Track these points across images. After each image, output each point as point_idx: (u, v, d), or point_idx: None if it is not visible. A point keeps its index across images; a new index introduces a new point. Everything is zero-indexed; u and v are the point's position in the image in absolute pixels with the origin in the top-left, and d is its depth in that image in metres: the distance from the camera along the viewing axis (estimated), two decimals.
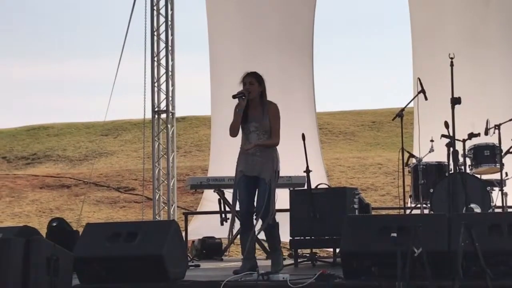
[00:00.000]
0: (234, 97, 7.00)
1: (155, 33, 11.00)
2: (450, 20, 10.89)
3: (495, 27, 10.74)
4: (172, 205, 10.87)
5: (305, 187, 8.24)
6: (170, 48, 11.02)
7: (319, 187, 8.31)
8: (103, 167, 18.51)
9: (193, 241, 10.39)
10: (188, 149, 19.89)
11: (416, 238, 5.40)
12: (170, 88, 11.01)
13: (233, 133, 7.11)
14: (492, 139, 8.54)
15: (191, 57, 25.91)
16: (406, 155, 8.90)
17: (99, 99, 28.91)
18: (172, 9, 11.11)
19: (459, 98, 6.39)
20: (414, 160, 8.95)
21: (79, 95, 33.82)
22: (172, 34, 11.07)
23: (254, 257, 7.06)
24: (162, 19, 11.04)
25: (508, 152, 8.62)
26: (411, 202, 9.18)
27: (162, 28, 11.04)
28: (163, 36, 11.03)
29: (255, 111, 7.06)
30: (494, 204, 8.41)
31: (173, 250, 6.32)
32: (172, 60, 11.06)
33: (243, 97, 6.98)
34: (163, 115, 11.06)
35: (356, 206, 8.08)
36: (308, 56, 11.37)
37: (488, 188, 8.41)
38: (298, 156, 8.19)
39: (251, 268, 6.69)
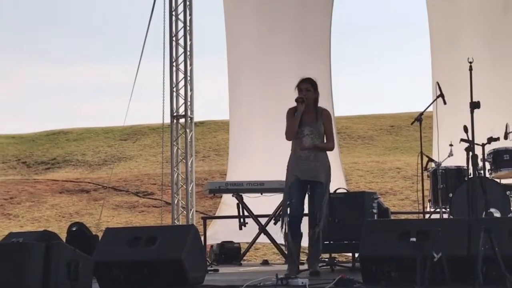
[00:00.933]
0: (296, 100, 7.17)
1: (174, 38, 11.04)
2: (468, 25, 10.88)
3: None
4: (190, 210, 10.89)
5: None
6: (188, 53, 11.06)
7: (337, 191, 8.31)
8: (122, 172, 18.58)
9: (212, 246, 10.40)
10: (207, 154, 19.92)
11: (436, 243, 5.38)
12: (189, 93, 11.04)
13: (290, 136, 7.23)
14: (511, 143, 8.50)
15: (209, 61, 25.95)
16: (425, 159, 8.87)
17: (118, 104, 29.04)
18: (190, 14, 11.15)
19: (478, 102, 6.37)
20: (433, 165, 8.92)
21: (98, 100, 33.99)
22: (191, 39, 11.11)
23: (299, 261, 7.29)
24: (180, 24, 11.08)
25: None
26: (430, 207, 9.14)
27: (181, 33, 11.08)
28: (181, 41, 11.06)
29: (308, 116, 7.22)
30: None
31: (192, 254, 6.32)
32: (191, 65, 11.10)
33: (303, 102, 7.14)
34: (182, 120, 11.08)
35: (375, 210, 8.06)
36: (325, 60, 11.36)
37: (508, 192, 8.36)
38: None
39: (298, 271, 6.94)
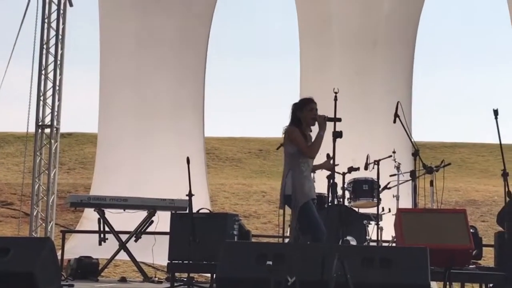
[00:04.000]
0: (329, 120, 6.90)
1: (45, 46, 10.79)
2: (338, 56, 11.25)
3: (380, 68, 11.19)
4: (50, 222, 10.63)
5: (187, 211, 8.22)
6: (59, 62, 10.84)
7: (200, 211, 8.32)
8: None
9: (69, 260, 10.17)
10: (72, 166, 19.52)
11: (291, 267, 5.47)
12: (56, 103, 10.81)
13: (315, 155, 7.06)
14: (371, 174, 8.75)
15: (83, 72, 25.49)
16: None
17: None
18: (64, 23, 10.95)
19: (341, 132, 6.52)
20: None
21: None
22: (62, 48, 10.91)
23: None
24: (52, 32, 10.86)
25: (385, 187, 8.87)
26: (290, 231, 9.28)
27: (52, 41, 10.86)
28: (52, 50, 10.84)
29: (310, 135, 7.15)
30: (369, 237, 8.64)
31: (45, 268, 6.17)
32: (61, 74, 10.89)
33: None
34: (47, 130, 10.83)
35: (235, 232, 8.13)
36: (199, 80, 11.39)
37: (365, 221, 8.63)
38: (182, 179, 8.20)
39: None
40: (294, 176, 6.89)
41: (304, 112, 7.08)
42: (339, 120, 6.81)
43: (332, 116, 6.81)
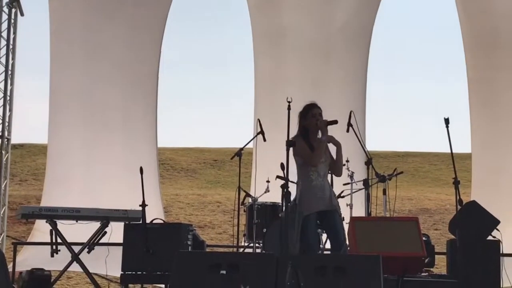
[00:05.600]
0: (330, 123, 7.01)
1: None
2: (292, 68, 11.35)
3: (334, 79, 11.31)
4: (1, 234, 10.47)
5: (141, 221, 8.16)
6: (10, 72, 10.71)
7: (154, 222, 8.27)
8: None
9: (21, 273, 10.01)
10: (24, 178, 19.27)
11: (245, 276, 5.46)
12: (7, 114, 10.67)
13: (317, 162, 7.03)
14: None
15: (32, 82, 25.24)
16: (243, 194, 9.02)
17: None
18: (14, 33, 10.82)
19: (294, 141, 6.54)
20: (250, 200, 9.08)
21: None
22: (13, 59, 10.76)
23: None
24: (3, 42, 10.72)
25: (339, 196, 8.90)
26: (244, 241, 9.29)
27: (3, 51, 10.71)
28: (3, 60, 10.70)
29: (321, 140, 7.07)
30: (323, 246, 8.66)
31: None
32: (12, 84, 10.75)
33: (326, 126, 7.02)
34: None
35: (189, 242, 8.09)
36: (152, 91, 11.35)
37: (319, 230, 8.64)
38: (135, 189, 8.14)
39: None
40: (302, 187, 7.04)
41: (307, 120, 7.12)
42: (336, 122, 7.01)
43: (331, 119, 6.98)
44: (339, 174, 7.33)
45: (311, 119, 7.10)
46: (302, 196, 7.01)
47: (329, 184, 7.25)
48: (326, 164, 7.16)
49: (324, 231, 7.75)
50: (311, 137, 7.14)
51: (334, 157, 7.18)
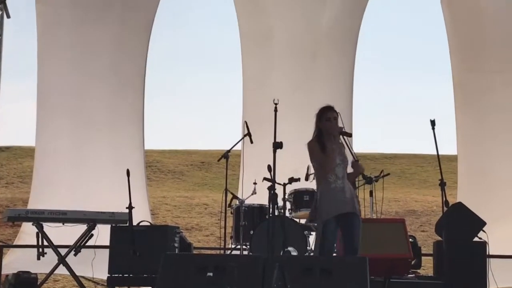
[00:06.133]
0: (343, 134, 6.95)
1: None
2: (278, 69, 11.37)
3: (321, 80, 11.32)
4: None
5: (127, 224, 8.15)
6: None
7: (140, 224, 8.26)
8: None
9: (7, 275, 9.97)
10: (11, 180, 19.19)
11: (232, 278, 5.46)
12: None
13: (330, 167, 6.91)
14: (311, 184, 8.77)
15: (19, 84, 25.14)
16: (230, 196, 9.02)
17: None
18: (1, 34, 10.78)
19: (281, 142, 6.54)
20: (237, 202, 9.08)
21: None
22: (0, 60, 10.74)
23: None
24: None
25: None
26: (231, 243, 9.29)
27: None
28: None
29: (335, 145, 6.98)
30: (310, 248, 8.68)
31: None
32: None
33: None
34: None
35: (176, 244, 8.08)
36: (139, 92, 11.34)
37: (306, 232, 8.66)
38: (122, 192, 8.12)
39: None
40: (322, 190, 6.92)
41: (323, 122, 7.04)
42: (350, 135, 6.99)
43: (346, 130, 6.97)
44: None
45: (326, 123, 7.03)
46: (322, 199, 6.88)
47: (350, 186, 7.05)
48: (344, 165, 7.02)
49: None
50: (325, 140, 7.05)
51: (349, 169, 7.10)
